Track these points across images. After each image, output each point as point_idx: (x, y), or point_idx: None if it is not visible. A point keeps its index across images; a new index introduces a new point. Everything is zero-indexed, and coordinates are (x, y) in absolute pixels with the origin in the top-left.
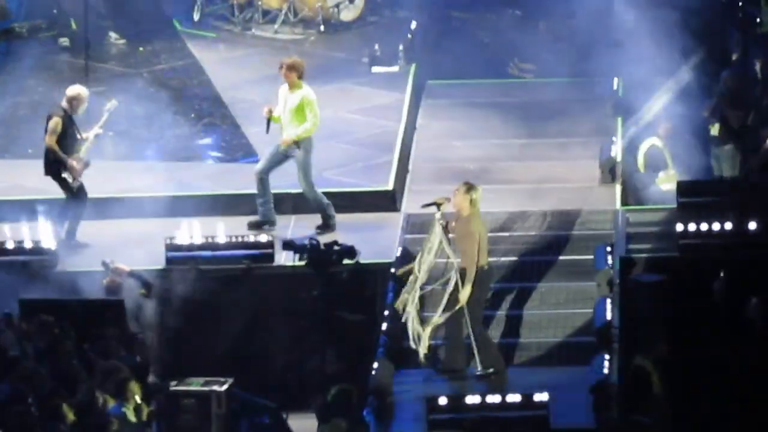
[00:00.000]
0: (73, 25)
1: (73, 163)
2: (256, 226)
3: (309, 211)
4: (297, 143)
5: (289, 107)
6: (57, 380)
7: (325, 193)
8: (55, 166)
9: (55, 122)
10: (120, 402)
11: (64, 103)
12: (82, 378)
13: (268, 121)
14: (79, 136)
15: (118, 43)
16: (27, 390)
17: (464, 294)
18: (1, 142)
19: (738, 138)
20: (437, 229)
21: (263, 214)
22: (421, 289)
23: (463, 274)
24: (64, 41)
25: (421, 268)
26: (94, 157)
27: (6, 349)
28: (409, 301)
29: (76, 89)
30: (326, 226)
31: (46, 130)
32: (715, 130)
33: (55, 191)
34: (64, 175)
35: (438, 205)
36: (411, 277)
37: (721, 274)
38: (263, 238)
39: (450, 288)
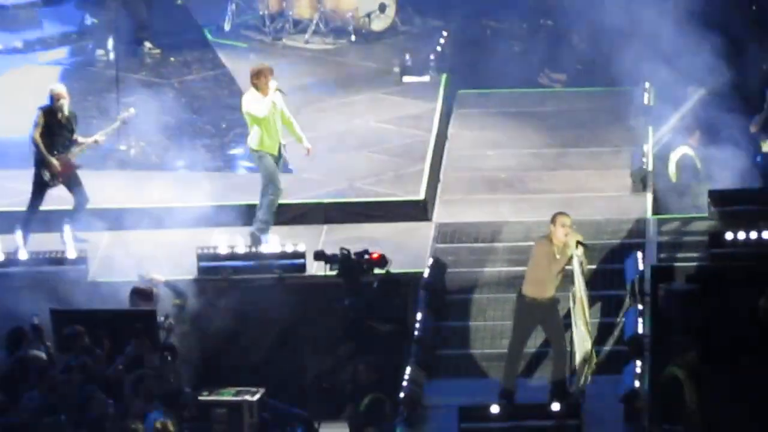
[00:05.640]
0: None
1: (52, 160)
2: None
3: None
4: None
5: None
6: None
7: (356, 203)
8: (36, 159)
9: (38, 115)
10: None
11: (49, 101)
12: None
13: None
14: (72, 138)
15: (152, 52)
16: (57, 401)
17: None
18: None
19: None
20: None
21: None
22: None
23: None
24: (101, 53)
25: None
26: (123, 167)
27: (35, 359)
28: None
29: (58, 87)
30: None
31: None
32: (766, 146)
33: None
34: (44, 171)
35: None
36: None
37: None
38: (296, 248)
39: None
